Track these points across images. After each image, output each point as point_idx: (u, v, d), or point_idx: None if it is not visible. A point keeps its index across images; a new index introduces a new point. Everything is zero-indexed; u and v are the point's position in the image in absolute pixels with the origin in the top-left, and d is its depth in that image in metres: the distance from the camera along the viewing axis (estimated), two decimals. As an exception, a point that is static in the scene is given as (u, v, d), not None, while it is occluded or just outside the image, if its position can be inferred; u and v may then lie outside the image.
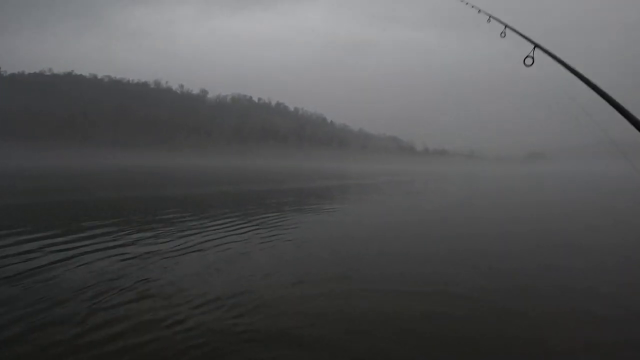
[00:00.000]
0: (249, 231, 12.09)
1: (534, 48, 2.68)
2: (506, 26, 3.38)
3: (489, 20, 3.50)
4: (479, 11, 4.99)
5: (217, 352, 4.95)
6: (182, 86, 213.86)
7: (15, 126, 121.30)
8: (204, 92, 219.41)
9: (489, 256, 9.91)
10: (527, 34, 2.99)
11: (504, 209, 21.73)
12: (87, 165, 68.26)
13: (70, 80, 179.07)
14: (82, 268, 7.98)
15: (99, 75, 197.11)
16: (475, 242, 11.70)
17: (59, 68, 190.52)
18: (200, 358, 4.77)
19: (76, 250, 9.29)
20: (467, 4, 5.54)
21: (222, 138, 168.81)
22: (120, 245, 9.93)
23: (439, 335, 5.55)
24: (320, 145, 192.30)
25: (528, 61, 2.73)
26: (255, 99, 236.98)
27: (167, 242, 10.52)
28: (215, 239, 10.91)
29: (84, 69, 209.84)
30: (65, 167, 57.35)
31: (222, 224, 13.33)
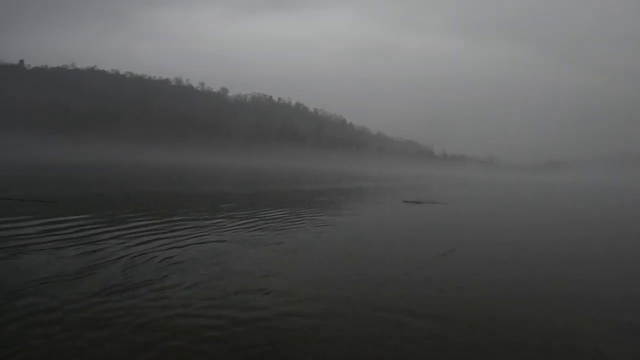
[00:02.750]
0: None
1: None
2: None
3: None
4: None
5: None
6: (202, 84, 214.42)
7: (37, 119, 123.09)
8: (224, 90, 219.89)
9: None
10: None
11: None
12: (113, 160, 68.87)
13: (92, 75, 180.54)
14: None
15: (121, 71, 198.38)
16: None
17: (82, 64, 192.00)
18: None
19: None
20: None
21: (241, 137, 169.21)
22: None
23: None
24: (339, 147, 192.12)
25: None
26: (275, 98, 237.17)
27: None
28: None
29: (106, 65, 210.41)
30: (97, 162, 58.21)
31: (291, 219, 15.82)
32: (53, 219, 12.48)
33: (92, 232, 11.24)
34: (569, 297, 8.00)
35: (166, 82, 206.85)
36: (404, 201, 25.50)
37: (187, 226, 12.90)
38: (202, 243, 10.70)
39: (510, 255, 11.63)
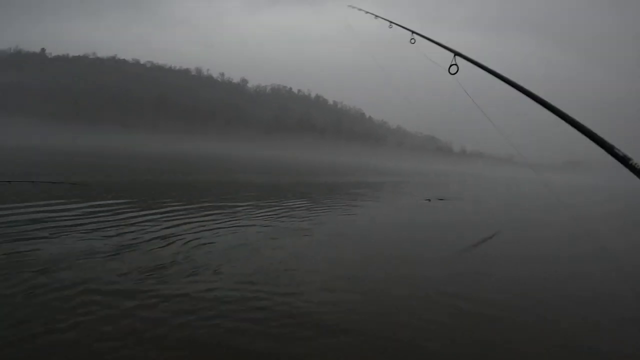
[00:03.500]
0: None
1: (454, 56, 2.71)
2: (413, 32, 3.13)
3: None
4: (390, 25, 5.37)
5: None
6: (222, 74, 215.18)
7: (58, 107, 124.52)
8: (244, 81, 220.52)
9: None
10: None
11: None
12: (133, 149, 69.37)
13: (113, 65, 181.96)
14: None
15: (142, 61, 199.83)
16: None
17: (103, 53, 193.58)
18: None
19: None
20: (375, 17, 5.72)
21: (260, 128, 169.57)
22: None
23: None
24: (357, 140, 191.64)
25: (453, 69, 2.77)
26: (294, 90, 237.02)
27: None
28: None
29: (127, 55, 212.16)
30: (117, 150, 58.63)
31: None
32: (90, 203, 12.97)
33: (124, 215, 11.66)
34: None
35: (186, 72, 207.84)
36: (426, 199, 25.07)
37: (213, 212, 13.22)
38: (228, 228, 11.09)
39: (539, 254, 11.70)
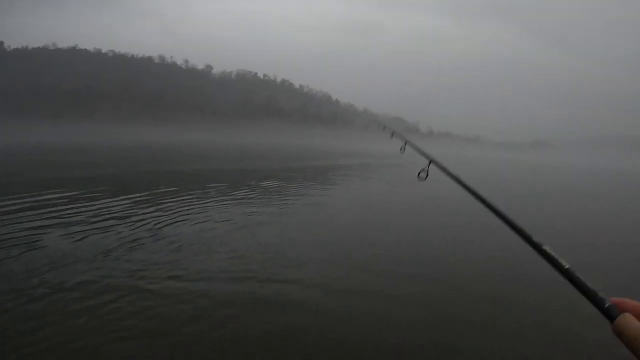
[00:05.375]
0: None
1: (430, 163, 2.76)
2: (407, 142, 3.65)
3: (392, 136, 3.64)
4: (384, 128, 5.47)
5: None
6: (187, 62, 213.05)
7: (21, 102, 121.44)
8: (209, 67, 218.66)
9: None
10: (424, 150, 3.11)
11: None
12: (98, 141, 68.36)
13: (74, 55, 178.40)
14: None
15: (104, 50, 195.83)
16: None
17: (64, 44, 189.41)
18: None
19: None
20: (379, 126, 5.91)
21: (226, 114, 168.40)
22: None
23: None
24: (324, 124, 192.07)
25: (423, 174, 2.81)
26: (260, 75, 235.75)
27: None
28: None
29: (89, 45, 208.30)
30: (82, 144, 57.74)
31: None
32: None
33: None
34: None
35: (149, 60, 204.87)
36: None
37: (176, 202, 13.87)
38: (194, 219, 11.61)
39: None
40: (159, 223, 10.72)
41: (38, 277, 6.76)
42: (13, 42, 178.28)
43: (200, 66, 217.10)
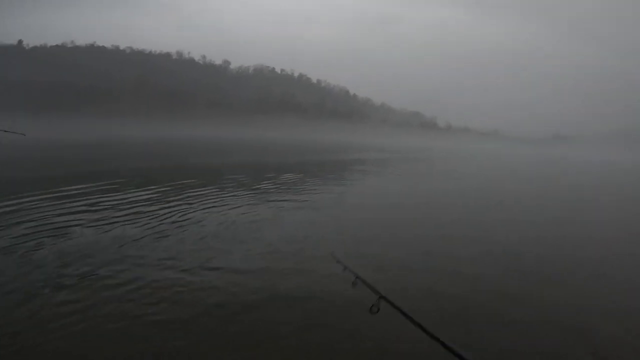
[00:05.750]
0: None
1: (379, 298, 2.77)
2: (357, 277, 3.47)
3: (344, 270, 3.53)
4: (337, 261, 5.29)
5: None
6: (204, 57, 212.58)
7: (38, 99, 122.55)
8: (226, 62, 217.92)
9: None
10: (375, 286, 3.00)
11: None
12: (116, 136, 69.02)
13: (92, 52, 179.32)
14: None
15: (121, 47, 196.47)
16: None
17: (82, 41, 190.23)
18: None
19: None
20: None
21: (243, 109, 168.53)
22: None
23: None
24: (341, 118, 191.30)
25: (374, 309, 2.77)
26: (277, 70, 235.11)
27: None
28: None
29: (106, 42, 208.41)
30: (101, 138, 58.45)
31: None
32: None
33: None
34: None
35: (167, 56, 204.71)
36: None
37: (199, 194, 14.26)
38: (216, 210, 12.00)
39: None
40: (183, 214, 11.01)
41: (68, 265, 7.04)
42: (32, 41, 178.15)
43: (218, 61, 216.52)
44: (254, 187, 16.95)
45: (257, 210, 12.08)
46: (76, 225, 9.56)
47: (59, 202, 11.95)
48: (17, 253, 7.58)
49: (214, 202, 12.96)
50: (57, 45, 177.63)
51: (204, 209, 11.84)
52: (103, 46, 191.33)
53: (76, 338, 4.90)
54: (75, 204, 11.84)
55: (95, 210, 11.14)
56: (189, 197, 13.58)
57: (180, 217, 10.71)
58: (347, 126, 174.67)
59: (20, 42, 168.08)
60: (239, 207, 12.39)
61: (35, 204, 11.50)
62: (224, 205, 12.58)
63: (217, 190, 15.29)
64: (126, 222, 9.97)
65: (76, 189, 14.11)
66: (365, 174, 26.46)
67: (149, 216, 10.64)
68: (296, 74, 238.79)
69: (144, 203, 12.34)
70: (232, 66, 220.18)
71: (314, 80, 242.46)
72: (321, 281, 6.80)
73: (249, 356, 4.78)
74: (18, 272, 6.69)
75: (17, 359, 4.55)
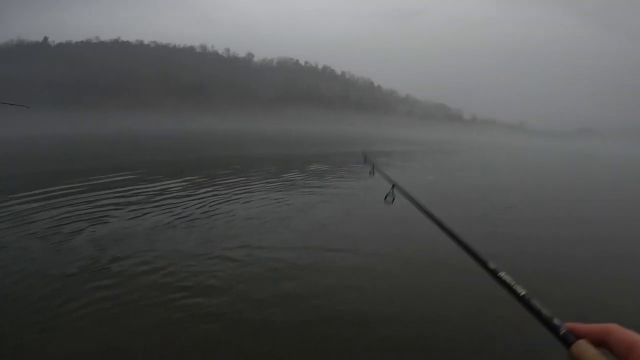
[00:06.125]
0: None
1: (393, 187, 2.95)
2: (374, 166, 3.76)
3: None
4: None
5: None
6: (228, 50, 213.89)
7: (63, 95, 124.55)
8: (250, 55, 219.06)
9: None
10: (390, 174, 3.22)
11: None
12: (150, 129, 69.98)
13: (117, 47, 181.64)
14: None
15: (145, 41, 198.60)
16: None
17: (106, 36, 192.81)
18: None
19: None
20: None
21: (268, 101, 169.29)
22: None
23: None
24: (366, 110, 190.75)
25: (389, 198, 3.02)
26: (301, 62, 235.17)
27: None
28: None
29: (130, 36, 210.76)
30: (137, 131, 59.44)
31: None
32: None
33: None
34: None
35: (191, 49, 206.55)
36: None
37: (228, 183, 14.81)
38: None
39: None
40: (213, 203, 11.17)
41: (103, 249, 7.32)
42: (57, 37, 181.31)
43: (241, 54, 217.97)
44: (282, 177, 17.11)
45: (286, 199, 12.20)
46: (109, 214, 9.82)
47: (91, 193, 12.30)
48: (54, 239, 7.82)
49: (243, 191, 13.13)
50: (82, 42, 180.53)
51: (233, 198, 11.99)
52: (127, 41, 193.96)
53: (110, 322, 5.02)
54: (107, 194, 12.15)
55: (127, 200, 11.41)
56: (217, 187, 13.76)
57: (210, 206, 10.85)
58: (372, 118, 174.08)
59: (45, 39, 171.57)
60: (267, 196, 12.51)
61: (68, 194, 11.90)
62: (253, 194, 12.75)
63: (245, 180, 15.49)
64: (158, 211, 10.20)
65: (108, 180, 14.52)
66: (397, 165, 26.29)
67: (180, 205, 10.83)
68: (320, 66, 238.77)
69: (174, 193, 12.59)
70: (255, 59, 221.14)
71: (338, 72, 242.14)
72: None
73: (277, 344, 4.78)
74: (55, 258, 6.91)
75: (54, 341, 4.63)
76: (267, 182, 15.35)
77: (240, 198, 12.05)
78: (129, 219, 9.46)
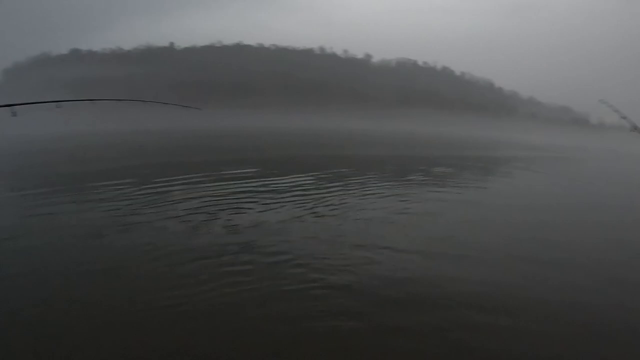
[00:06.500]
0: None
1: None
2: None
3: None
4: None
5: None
6: (346, 51, 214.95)
7: (192, 96, 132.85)
8: (368, 56, 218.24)
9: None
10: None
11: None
12: (273, 127, 74.31)
13: (239, 50, 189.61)
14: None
15: (266, 44, 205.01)
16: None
17: (228, 40, 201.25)
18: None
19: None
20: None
21: (386, 102, 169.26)
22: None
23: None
24: (486, 113, 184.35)
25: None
26: (420, 62, 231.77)
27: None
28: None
29: (251, 40, 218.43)
30: (260, 129, 64.79)
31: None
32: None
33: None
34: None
35: (310, 51, 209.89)
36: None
37: (354, 181, 15.75)
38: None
39: None
40: (341, 199, 12.05)
41: (238, 235, 8.30)
42: (182, 42, 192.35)
43: (360, 55, 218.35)
44: (406, 178, 17.82)
45: (412, 199, 12.74)
46: (242, 205, 10.93)
47: (224, 182, 14.12)
48: (192, 223, 9.11)
49: (369, 189, 13.98)
50: (206, 46, 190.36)
51: (360, 195, 12.86)
52: (249, 45, 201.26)
53: (237, 302, 5.57)
54: (240, 185, 13.78)
55: (260, 191, 12.82)
56: (344, 184, 14.77)
57: (338, 201, 11.73)
58: (493, 121, 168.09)
59: (171, 44, 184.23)
60: (392, 195, 13.11)
61: (205, 183, 13.91)
62: (378, 193, 13.46)
63: (370, 178, 16.41)
64: (288, 203, 11.20)
65: (238, 173, 16.28)
66: (524, 170, 26.31)
67: (309, 199, 11.80)
68: (439, 67, 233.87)
69: (302, 187, 13.82)
70: (373, 60, 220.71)
71: (458, 73, 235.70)
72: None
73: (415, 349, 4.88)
74: (190, 240, 7.96)
75: (189, 314, 5.21)
76: (395, 182, 16.13)
77: (368, 197, 12.69)
78: (261, 210, 10.55)
